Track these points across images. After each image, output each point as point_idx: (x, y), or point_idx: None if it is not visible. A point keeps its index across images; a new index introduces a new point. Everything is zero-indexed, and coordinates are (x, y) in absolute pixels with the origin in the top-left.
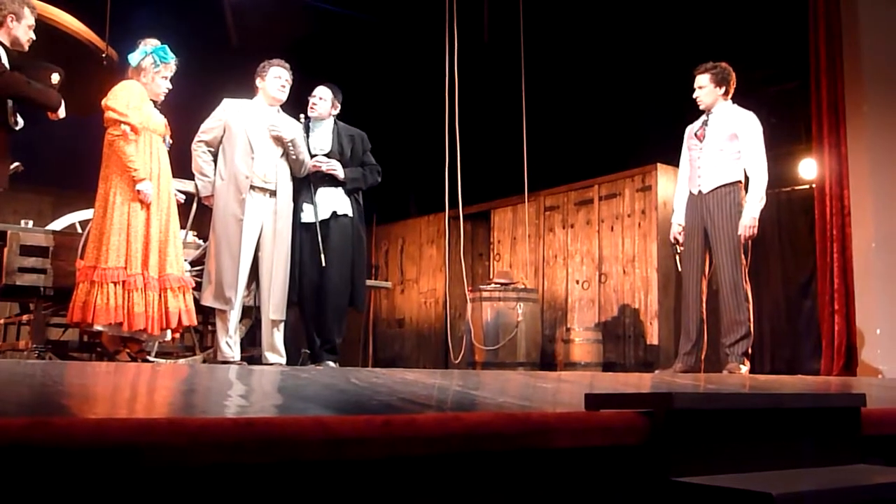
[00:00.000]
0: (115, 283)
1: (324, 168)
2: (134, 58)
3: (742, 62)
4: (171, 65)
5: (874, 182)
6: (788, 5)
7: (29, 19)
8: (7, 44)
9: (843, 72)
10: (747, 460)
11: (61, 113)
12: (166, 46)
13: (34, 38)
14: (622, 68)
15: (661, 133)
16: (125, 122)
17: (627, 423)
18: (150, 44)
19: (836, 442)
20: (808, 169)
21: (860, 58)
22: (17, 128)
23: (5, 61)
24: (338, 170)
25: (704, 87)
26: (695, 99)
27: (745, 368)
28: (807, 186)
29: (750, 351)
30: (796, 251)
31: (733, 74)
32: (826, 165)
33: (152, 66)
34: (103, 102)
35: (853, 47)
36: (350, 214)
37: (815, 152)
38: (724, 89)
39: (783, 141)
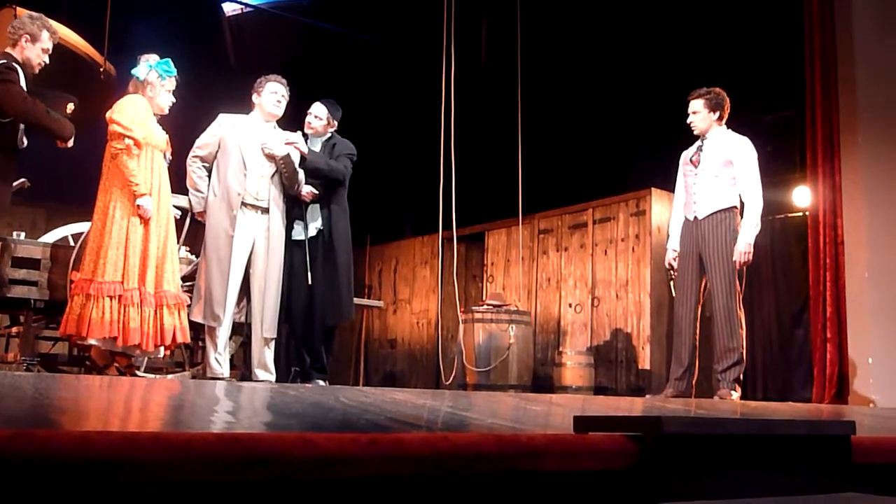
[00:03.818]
0: (111, 298)
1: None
2: (140, 71)
3: (738, 90)
4: (173, 79)
5: (868, 212)
6: (784, 35)
7: (45, 43)
8: (20, 62)
9: (838, 102)
10: (736, 486)
11: (70, 143)
12: (169, 60)
13: (47, 62)
14: (618, 93)
15: (656, 157)
16: (129, 137)
17: (616, 447)
18: (152, 59)
19: (827, 470)
20: (803, 197)
21: (855, 88)
22: (22, 146)
23: (23, 84)
24: (300, 143)
25: (699, 113)
26: (689, 125)
27: (736, 395)
28: (801, 214)
29: (742, 377)
30: (789, 279)
31: (727, 100)
32: (820, 194)
33: (158, 80)
34: (108, 115)
35: (848, 78)
36: (321, 227)
37: (809, 181)
38: (718, 115)
39: (778, 168)
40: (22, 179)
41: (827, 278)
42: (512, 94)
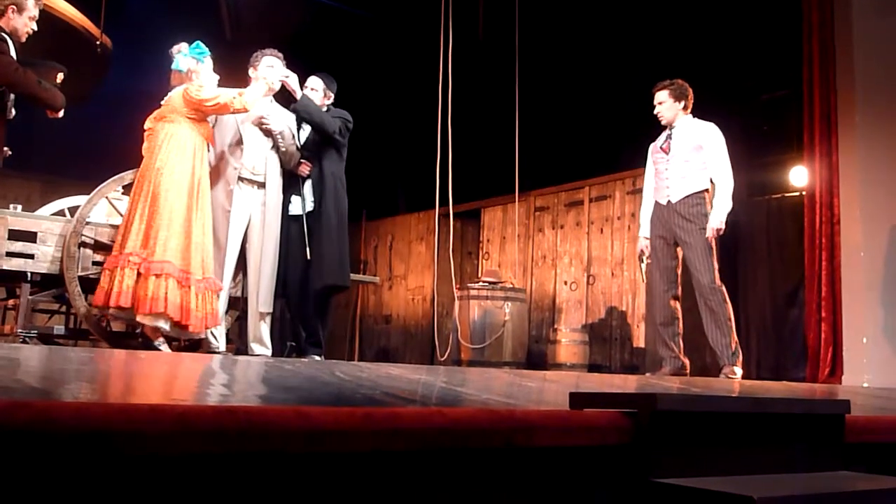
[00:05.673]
0: (165, 276)
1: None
2: (180, 64)
3: (735, 69)
4: (209, 58)
5: (864, 191)
6: (782, 14)
7: (31, 11)
8: (8, 33)
9: (835, 81)
10: (730, 464)
11: (61, 113)
12: (199, 42)
13: (35, 30)
14: (616, 70)
15: (652, 136)
16: (238, 104)
17: (611, 423)
18: (183, 47)
19: (820, 448)
20: (799, 176)
21: (853, 68)
22: (11, 117)
23: (13, 54)
24: (291, 79)
25: (664, 103)
26: (656, 115)
27: (739, 371)
28: (797, 194)
29: (740, 350)
30: (784, 258)
31: (690, 90)
32: (816, 174)
33: (198, 65)
34: (205, 104)
35: (846, 57)
36: (315, 200)
37: (805, 160)
38: (682, 104)
39: (774, 148)
40: (4, 148)
41: (822, 258)
42: (509, 70)
